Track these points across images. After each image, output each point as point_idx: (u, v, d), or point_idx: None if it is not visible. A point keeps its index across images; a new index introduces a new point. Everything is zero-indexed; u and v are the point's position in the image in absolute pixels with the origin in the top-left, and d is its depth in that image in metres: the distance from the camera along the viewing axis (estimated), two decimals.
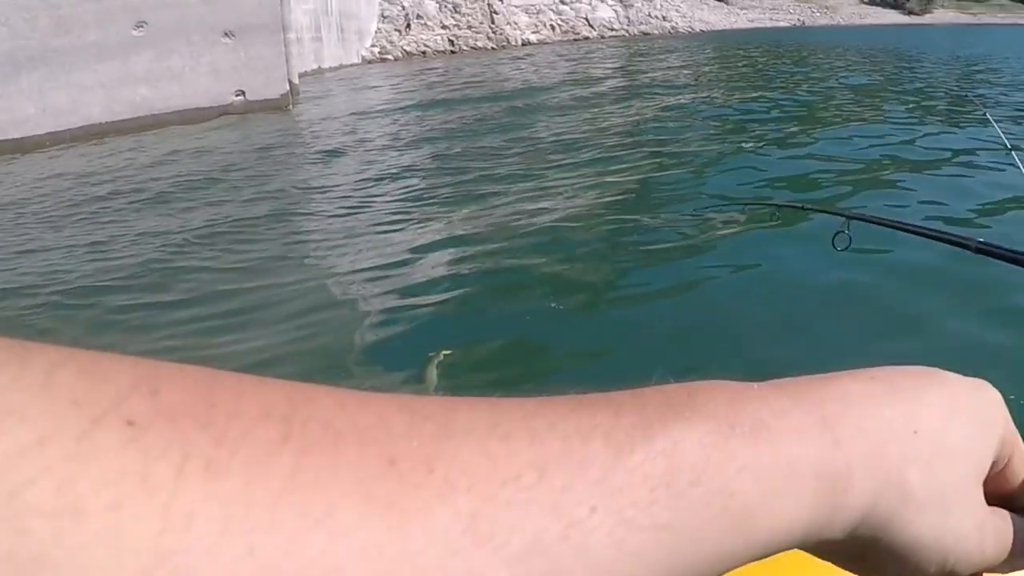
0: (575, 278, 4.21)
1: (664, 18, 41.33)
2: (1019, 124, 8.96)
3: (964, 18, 60.61)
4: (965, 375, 0.31)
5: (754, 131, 9.10)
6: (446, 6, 30.05)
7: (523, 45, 30.46)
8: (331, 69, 19.35)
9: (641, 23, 39.18)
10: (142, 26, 10.11)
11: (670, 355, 3.20)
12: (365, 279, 4.34)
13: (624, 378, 0.27)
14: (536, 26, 33.17)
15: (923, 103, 11.80)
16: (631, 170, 7.00)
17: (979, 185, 6.13)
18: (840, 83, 15.20)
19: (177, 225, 5.40)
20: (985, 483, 0.30)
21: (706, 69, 19.35)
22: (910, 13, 60.25)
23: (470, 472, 0.19)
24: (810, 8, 57.06)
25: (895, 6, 61.45)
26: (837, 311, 3.69)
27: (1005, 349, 3.16)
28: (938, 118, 10.21)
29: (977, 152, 7.34)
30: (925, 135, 8.68)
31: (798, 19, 53.88)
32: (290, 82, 11.99)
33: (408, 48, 26.12)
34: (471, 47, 28.41)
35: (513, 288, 4.11)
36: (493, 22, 30.91)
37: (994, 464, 0.30)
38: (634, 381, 0.25)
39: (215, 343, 3.45)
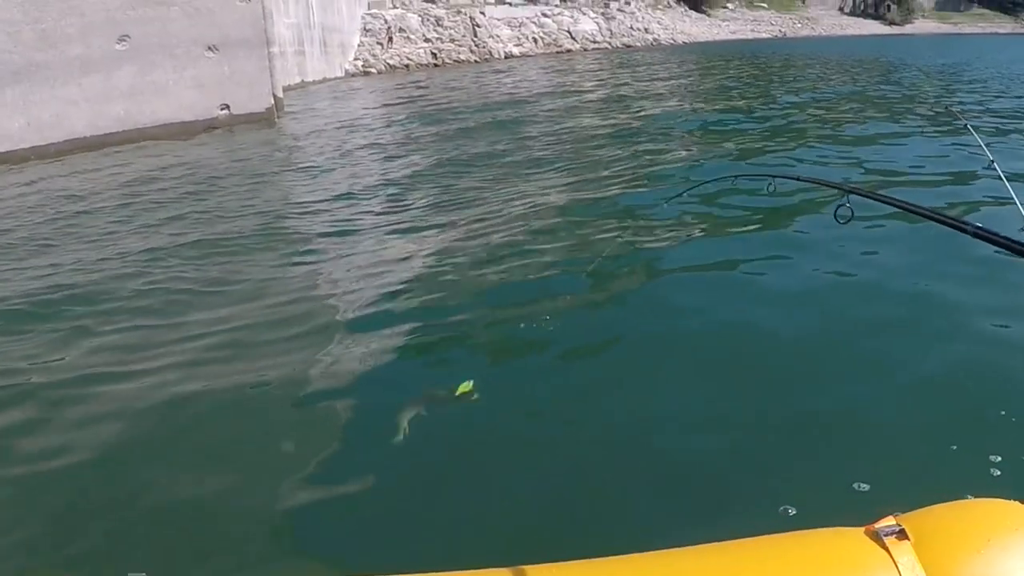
0: (565, 284, 4.23)
1: (646, 30, 41.60)
2: (1000, 133, 9.11)
3: (945, 27, 61.28)
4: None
5: (731, 140, 9.20)
6: (429, 20, 30.11)
7: (506, 58, 30.51)
8: (315, 83, 19.36)
9: (623, 35, 39.42)
10: (125, 40, 10.08)
11: (671, 334, 3.22)
12: (348, 291, 4.35)
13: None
14: (519, 39, 33.27)
15: (902, 113, 11.95)
16: (615, 178, 7.06)
17: (959, 192, 6.23)
18: (817, 95, 15.37)
19: (163, 241, 5.38)
20: None
21: (685, 81, 19.51)
22: (891, 23, 60.87)
23: None
24: (791, 19, 57.56)
25: (876, 16, 62.10)
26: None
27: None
28: (917, 126, 10.35)
29: (955, 160, 7.46)
30: (906, 144, 8.80)
31: (779, 30, 54.23)
32: (275, 96, 11.98)
33: (391, 61, 26.11)
34: (454, 60, 28.45)
35: (499, 301, 4.13)
36: (476, 35, 30.99)
37: None
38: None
39: (199, 360, 3.44)
